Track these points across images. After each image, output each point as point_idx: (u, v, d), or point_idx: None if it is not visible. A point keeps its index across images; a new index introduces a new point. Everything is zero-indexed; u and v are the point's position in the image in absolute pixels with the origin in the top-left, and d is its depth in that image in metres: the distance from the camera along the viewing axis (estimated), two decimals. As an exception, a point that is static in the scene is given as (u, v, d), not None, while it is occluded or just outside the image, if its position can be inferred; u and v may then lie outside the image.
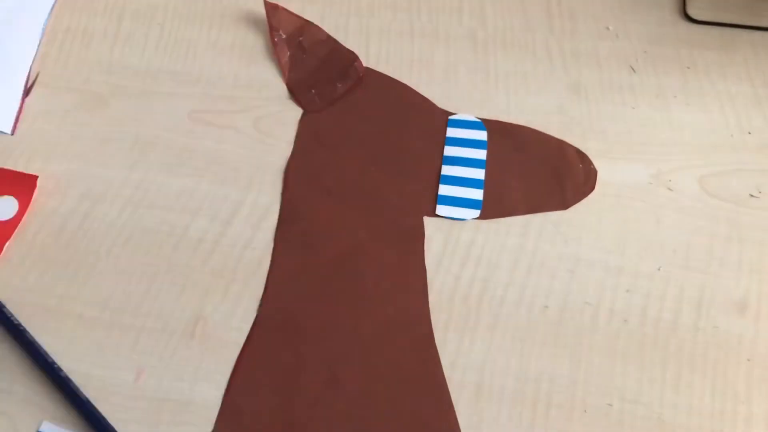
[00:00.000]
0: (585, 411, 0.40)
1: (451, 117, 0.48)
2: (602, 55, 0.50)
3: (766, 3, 0.50)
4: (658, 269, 0.43)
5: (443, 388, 0.41)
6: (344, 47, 0.51)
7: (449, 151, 0.47)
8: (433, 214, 0.46)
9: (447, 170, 0.46)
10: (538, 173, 0.46)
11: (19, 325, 0.43)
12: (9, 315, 0.43)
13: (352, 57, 0.50)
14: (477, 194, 0.46)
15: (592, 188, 0.46)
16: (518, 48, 0.50)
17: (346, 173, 0.47)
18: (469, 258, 0.44)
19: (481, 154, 0.47)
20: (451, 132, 0.47)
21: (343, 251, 0.45)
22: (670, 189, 0.45)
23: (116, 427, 0.40)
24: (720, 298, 0.42)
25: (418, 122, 0.48)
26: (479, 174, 0.46)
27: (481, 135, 0.47)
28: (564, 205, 0.45)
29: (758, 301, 0.42)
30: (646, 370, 0.41)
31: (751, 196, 0.45)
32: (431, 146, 0.47)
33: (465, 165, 0.46)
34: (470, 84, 0.49)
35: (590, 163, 0.46)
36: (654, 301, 0.43)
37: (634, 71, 0.49)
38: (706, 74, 0.49)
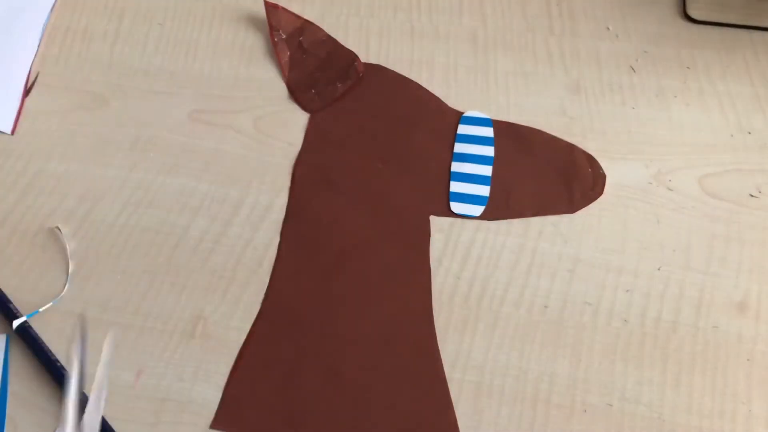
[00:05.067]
0: (585, 411, 0.40)
1: (464, 114, 0.48)
2: (602, 55, 0.50)
3: (766, 3, 0.50)
4: (658, 269, 0.43)
5: (443, 386, 0.41)
6: (344, 47, 0.51)
7: (460, 148, 0.47)
8: (439, 213, 0.46)
9: (457, 167, 0.46)
10: (547, 176, 0.46)
11: (25, 322, 0.43)
12: (15, 311, 0.43)
13: (351, 57, 0.50)
14: (485, 191, 0.46)
15: (601, 192, 0.45)
16: (518, 48, 0.50)
17: (353, 170, 0.47)
18: (469, 258, 0.44)
19: (489, 151, 0.47)
20: (463, 129, 0.47)
21: (348, 248, 0.45)
22: (670, 189, 0.45)
23: (116, 427, 0.41)
24: (720, 298, 0.42)
25: (427, 120, 0.48)
26: (487, 171, 0.46)
27: (489, 132, 0.47)
28: (572, 208, 0.45)
29: (758, 301, 0.42)
30: (646, 370, 0.41)
31: (751, 196, 0.45)
32: (439, 144, 0.47)
33: (475, 162, 0.46)
34: (470, 84, 0.49)
35: (599, 167, 0.46)
36: (654, 301, 0.43)
37: (634, 71, 0.49)
38: (706, 74, 0.49)
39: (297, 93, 0.50)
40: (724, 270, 0.43)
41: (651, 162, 0.46)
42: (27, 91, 0.51)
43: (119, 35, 0.53)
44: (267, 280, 0.44)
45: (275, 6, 0.51)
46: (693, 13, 0.50)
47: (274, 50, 0.51)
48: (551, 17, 0.51)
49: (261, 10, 0.52)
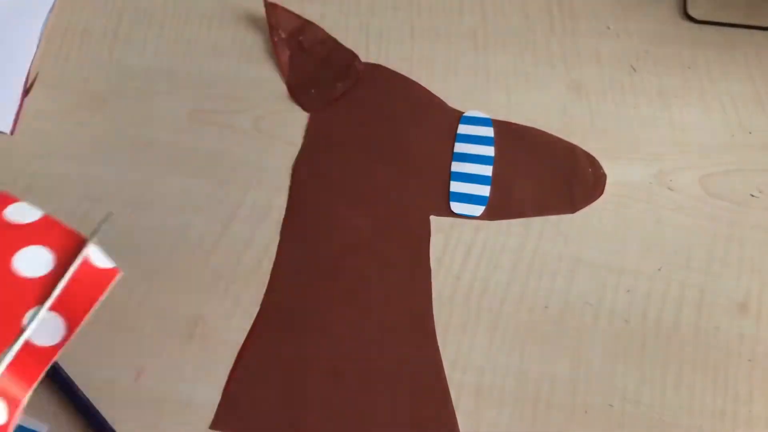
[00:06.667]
0: (585, 411, 0.40)
1: (465, 114, 0.48)
2: (603, 54, 0.50)
3: (766, 3, 0.50)
4: (659, 269, 0.43)
5: (444, 386, 0.41)
6: (344, 47, 0.51)
7: (460, 147, 0.47)
8: (439, 213, 0.45)
9: (458, 167, 0.46)
10: (548, 176, 0.46)
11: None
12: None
13: (351, 56, 0.50)
14: (485, 191, 0.46)
15: (601, 193, 0.45)
16: (519, 47, 0.50)
17: (354, 170, 0.47)
18: (469, 258, 0.44)
19: (489, 151, 0.47)
20: (463, 129, 0.47)
21: (348, 248, 0.45)
22: (670, 189, 0.45)
23: (116, 428, 0.40)
24: (721, 299, 0.42)
25: (427, 120, 0.48)
26: (488, 171, 0.46)
27: (489, 131, 0.47)
28: (572, 209, 0.45)
29: (759, 301, 0.42)
30: (646, 370, 0.41)
31: (752, 196, 0.45)
32: (439, 144, 0.47)
33: (475, 162, 0.46)
34: (470, 83, 0.49)
35: (600, 167, 0.46)
36: (655, 302, 0.42)
37: (635, 71, 0.49)
38: (707, 74, 0.49)
39: (297, 93, 0.50)
40: (725, 270, 0.43)
41: (652, 162, 0.46)
42: (27, 91, 0.51)
43: (119, 35, 0.53)
44: (267, 280, 0.44)
45: (275, 5, 0.51)
46: (694, 12, 0.50)
47: (273, 50, 0.51)
48: (552, 16, 0.51)
49: (261, 10, 0.52)
